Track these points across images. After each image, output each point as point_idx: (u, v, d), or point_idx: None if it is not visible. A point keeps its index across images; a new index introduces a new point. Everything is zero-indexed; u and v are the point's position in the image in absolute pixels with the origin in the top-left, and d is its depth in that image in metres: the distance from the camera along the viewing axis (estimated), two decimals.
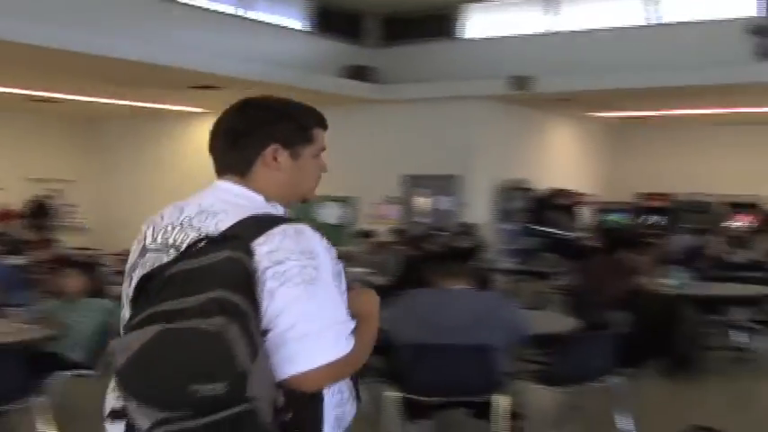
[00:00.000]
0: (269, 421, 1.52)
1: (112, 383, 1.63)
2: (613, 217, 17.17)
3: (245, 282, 1.56)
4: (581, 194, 16.05)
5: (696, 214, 16.44)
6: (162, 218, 1.83)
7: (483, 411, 4.65)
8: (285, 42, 14.65)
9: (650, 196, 17.42)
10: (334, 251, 1.78)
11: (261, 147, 1.83)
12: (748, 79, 12.40)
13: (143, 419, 1.49)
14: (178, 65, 11.87)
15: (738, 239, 11.99)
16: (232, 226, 1.68)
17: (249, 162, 1.83)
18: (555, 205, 15.24)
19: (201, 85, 13.23)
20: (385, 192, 15.38)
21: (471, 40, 15.58)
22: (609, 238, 10.23)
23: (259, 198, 1.82)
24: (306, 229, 1.71)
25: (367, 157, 15.31)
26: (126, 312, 1.73)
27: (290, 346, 1.59)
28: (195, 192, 1.86)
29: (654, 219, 17.07)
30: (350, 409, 1.83)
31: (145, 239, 1.82)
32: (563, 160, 17.25)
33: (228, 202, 1.78)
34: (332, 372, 1.65)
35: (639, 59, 13.39)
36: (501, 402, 4.55)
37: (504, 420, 4.55)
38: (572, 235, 14.27)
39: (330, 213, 15.41)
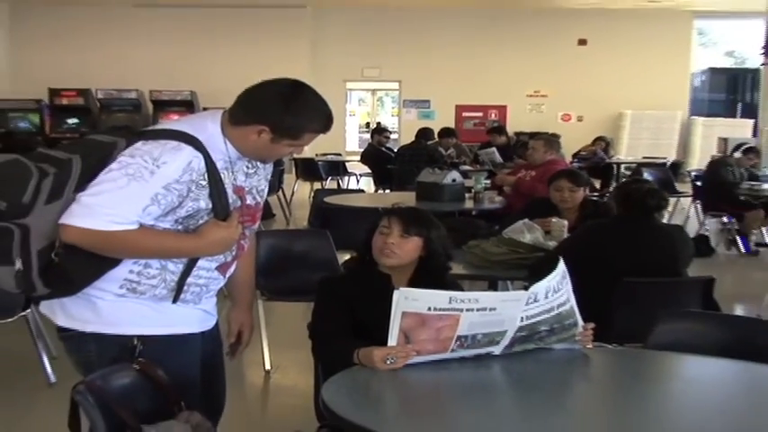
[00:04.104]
0: (38, 247, 2.12)
1: None
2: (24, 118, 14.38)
3: (101, 156, 2.18)
4: None
5: (124, 114, 14.60)
6: None
7: None
8: None
9: (64, 93, 14.86)
10: (204, 180, 2.24)
11: (256, 121, 2.30)
12: None
13: None
14: None
15: None
16: (159, 128, 2.30)
17: (242, 122, 2.31)
18: None
19: None
20: None
21: None
22: None
23: (214, 134, 2.30)
24: (185, 149, 2.20)
25: None
26: None
27: (74, 203, 2.13)
28: None
29: (72, 121, 14.80)
30: (155, 288, 2.29)
31: None
32: None
33: (196, 122, 2.33)
34: (83, 236, 2.12)
35: None
36: None
37: None
38: None
39: None
